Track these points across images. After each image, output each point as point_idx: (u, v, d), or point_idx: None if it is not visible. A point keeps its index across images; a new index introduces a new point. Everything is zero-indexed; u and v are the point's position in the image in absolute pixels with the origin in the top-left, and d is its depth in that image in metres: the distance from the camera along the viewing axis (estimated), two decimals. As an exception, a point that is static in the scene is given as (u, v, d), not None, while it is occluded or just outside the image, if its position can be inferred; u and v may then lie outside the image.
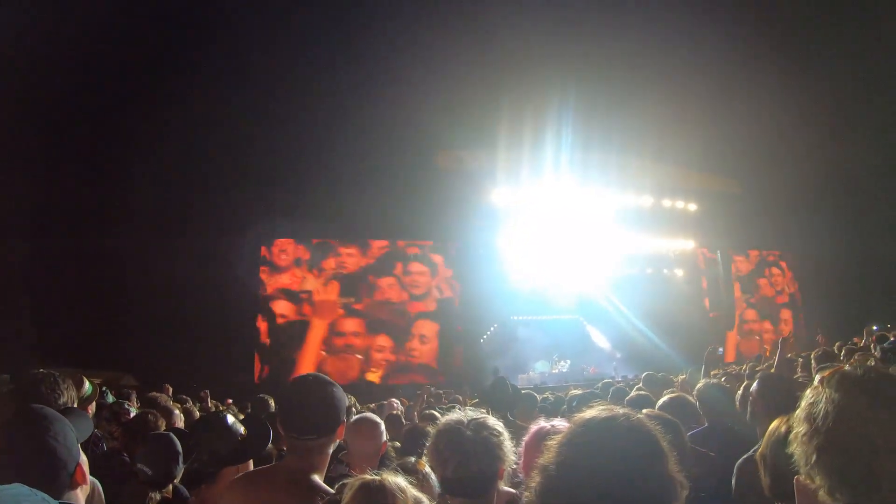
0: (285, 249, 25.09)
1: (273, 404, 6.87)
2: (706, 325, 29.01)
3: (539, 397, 7.39)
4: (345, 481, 1.97)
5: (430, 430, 2.53)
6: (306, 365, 23.71)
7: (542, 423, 2.84)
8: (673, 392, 5.28)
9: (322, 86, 21.88)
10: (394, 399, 9.76)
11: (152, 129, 20.21)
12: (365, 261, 25.61)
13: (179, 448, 3.32)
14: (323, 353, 24.31)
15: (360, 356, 24.53)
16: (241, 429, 3.18)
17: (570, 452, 1.65)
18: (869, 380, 1.52)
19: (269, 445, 3.35)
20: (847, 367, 1.61)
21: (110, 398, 5.52)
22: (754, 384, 3.79)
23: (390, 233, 25.59)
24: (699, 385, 4.97)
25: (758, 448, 2.66)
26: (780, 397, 3.39)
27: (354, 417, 3.91)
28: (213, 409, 8.81)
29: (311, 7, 20.90)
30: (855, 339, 12.46)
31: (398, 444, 4.56)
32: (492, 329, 27.22)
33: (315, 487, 2.47)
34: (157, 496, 3.19)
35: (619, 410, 1.72)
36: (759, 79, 22.84)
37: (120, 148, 20.25)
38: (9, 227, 18.59)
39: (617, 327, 26.77)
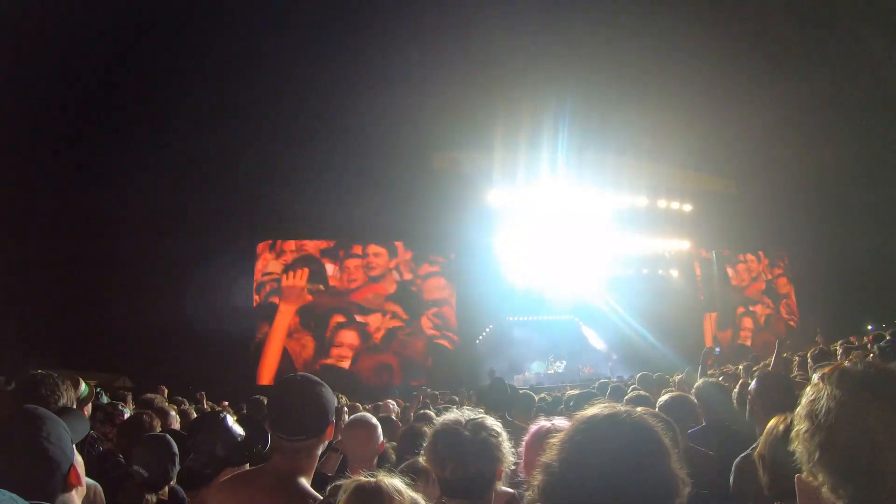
0: (284, 251, 25.11)
1: (268, 405, 6.81)
2: (701, 325, 29.09)
3: (536, 397, 7.39)
4: (338, 482, 1.95)
5: (427, 430, 2.52)
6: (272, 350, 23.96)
7: (543, 422, 2.82)
8: (672, 391, 5.28)
9: (317, 87, 21.89)
10: (389, 400, 9.74)
11: (149, 132, 20.25)
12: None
13: (176, 449, 3.31)
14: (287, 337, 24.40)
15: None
16: (241, 430, 3.17)
17: (573, 450, 1.64)
18: (869, 375, 1.51)
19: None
20: (847, 364, 1.60)
21: (105, 399, 5.51)
22: (752, 383, 3.78)
23: (386, 235, 25.58)
24: (697, 384, 4.97)
25: (756, 446, 2.65)
26: (779, 396, 3.38)
27: (350, 419, 3.90)
28: (210, 411, 8.78)
29: (308, 10, 20.92)
30: (851, 339, 12.46)
31: (395, 443, 4.55)
32: (487, 330, 27.21)
33: (301, 492, 2.43)
34: (154, 498, 3.17)
35: (621, 408, 1.72)
36: (753, 79, 22.92)
37: (117, 150, 20.23)
38: (3, 228, 18.55)
39: (613, 328, 26.78)
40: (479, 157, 25.32)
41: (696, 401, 4.54)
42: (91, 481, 2.85)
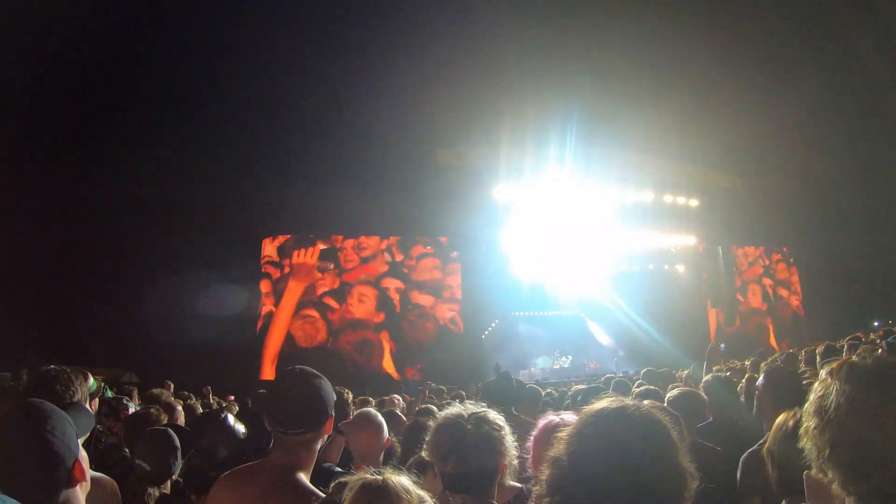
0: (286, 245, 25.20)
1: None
2: (707, 321, 29.05)
3: (542, 392, 7.38)
4: (342, 479, 1.92)
5: (431, 424, 2.50)
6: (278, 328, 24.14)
7: (551, 417, 2.80)
8: (679, 386, 5.26)
9: (324, 83, 21.91)
10: (395, 395, 9.75)
11: (156, 125, 20.28)
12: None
13: (177, 443, 3.30)
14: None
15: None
16: (242, 428, 3.15)
17: (581, 443, 1.64)
18: (878, 369, 1.49)
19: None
20: (855, 358, 1.58)
21: (109, 394, 5.51)
22: (760, 378, 3.77)
23: (393, 230, 25.63)
24: (706, 379, 4.95)
25: (763, 442, 2.64)
26: (787, 391, 3.37)
27: (356, 414, 3.88)
28: (216, 406, 8.80)
29: (315, 6, 20.90)
30: (858, 334, 12.42)
31: (399, 437, 4.54)
32: (493, 325, 27.22)
33: (300, 488, 2.40)
34: (156, 492, 3.17)
35: (629, 401, 1.72)
36: (761, 76, 22.84)
37: (123, 145, 20.23)
38: (9, 222, 18.60)
39: (618, 323, 26.74)
40: (485, 152, 25.29)
41: (704, 396, 4.53)
42: (106, 477, 2.85)
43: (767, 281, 31.26)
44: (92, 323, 19.24)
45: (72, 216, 20.09)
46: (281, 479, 2.40)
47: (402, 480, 1.74)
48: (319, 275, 24.97)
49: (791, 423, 2.29)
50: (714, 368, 7.00)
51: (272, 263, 25.06)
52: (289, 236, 25.20)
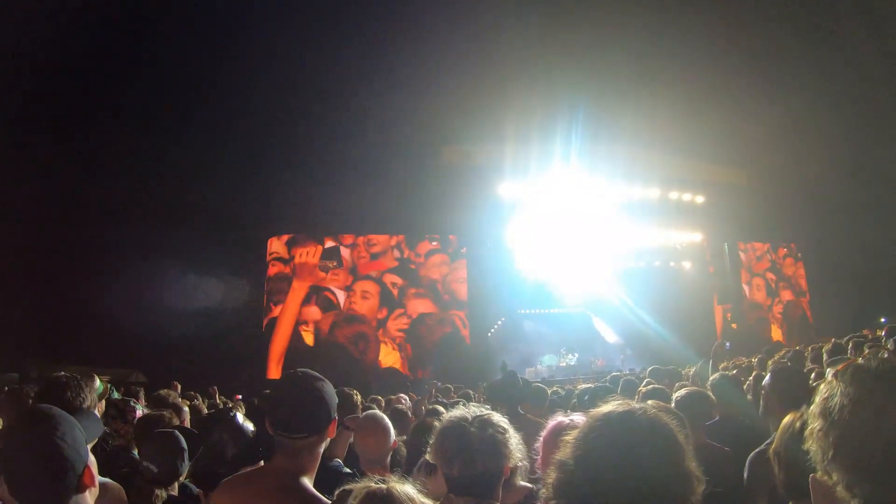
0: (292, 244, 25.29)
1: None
2: (713, 317, 29.02)
3: (549, 391, 7.38)
4: (346, 487, 1.92)
5: (437, 424, 2.51)
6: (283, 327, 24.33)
7: (560, 418, 2.80)
8: (686, 385, 5.25)
9: (329, 82, 21.89)
10: (402, 394, 9.76)
11: (160, 122, 20.31)
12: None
13: (185, 445, 3.30)
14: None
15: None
16: (252, 427, 3.15)
17: (588, 447, 1.64)
18: (884, 371, 1.49)
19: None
20: (860, 360, 1.58)
21: (116, 395, 5.53)
22: (767, 377, 3.76)
23: (397, 228, 25.65)
24: (713, 377, 4.94)
25: (770, 442, 2.63)
26: (794, 391, 3.36)
27: (363, 416, 3.88)
28: (222, 405, 8.81)
29: (321, 5, 20.89)
30: (865, 331, 12.39)
31: (405, 437, 4.55)
32: (499, 323, 27.23)
33: (305, 494, 2.38)
34: (164, 494, 3.18)
35: (636, 405, 1.72)
36: (766, 71, 22.79)
37: (130, 143, 20.25)
38: (13, 220, 18.66)
39: (624, 320, 26.72)
40: (490, 149, 25.28)
41: (711, 396, 4.52)
42: (112, 481, 2.87)
43: (773, 277, 31.21)
44: (97, 322, 19.26)
45: (75, 214, 20.13)
46: (285, 485, 2.38)
47: (406, 489, 1.73)
48: (323, 274, 25.01)
49: (798, 424, 2.28)
50: (720, 366, 6.98)
51: (281, 260, 25.14)
52: (291, 235, 25.25)
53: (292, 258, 25.15)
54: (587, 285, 27.15)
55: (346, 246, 25.69)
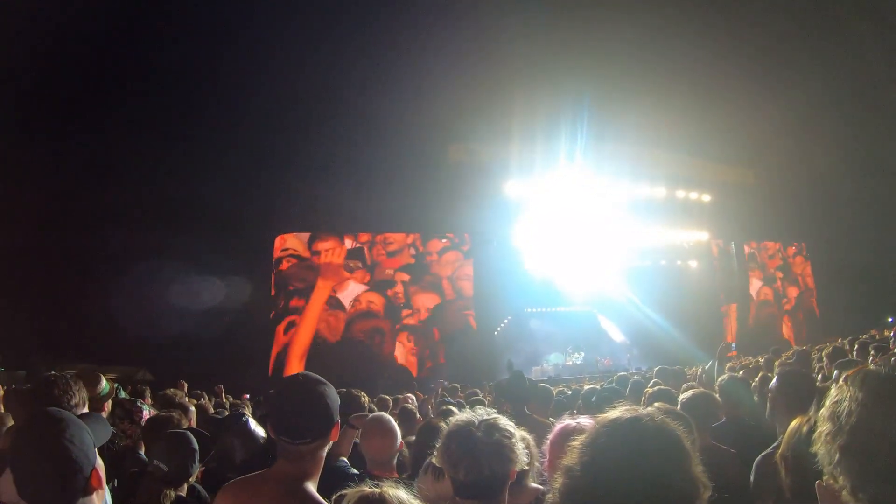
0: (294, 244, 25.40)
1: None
2: (720, 317, 28.98)
3: (555, 391, 7.37)
4: (343, 492, 1.92)
5: (444, 426, 2.51)
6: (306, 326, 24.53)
7: (568, 421, 2.80)
8: (693, 386, 5.25)
9: (336, 80, 21.90)
10: (409, 393, 9.77)
11: (169, 122, 20.35)
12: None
13: (196, 446, 3.32)
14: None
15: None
16: (262, 432, 3.16)
17: (594, 453, 1.64)
18: (893, 378, 1.49)
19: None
20: (872, 366, 1.58)
21: (123, 394, 5.54)
22: (774, 381, 3.75)
23: (403, 226, 25.69)
24: (721, 378, 4.93)
25: (777, 445, 2.63)
26: (801, 394, 3.34)
27: (370, 418, 3.88)
28: (228, 404, 8.82)
29: (328, 2, 20.91)
30: (872, 332, 12.36)
31: (412, 438, 4.55)
32: (505, 321, 27.23)
33: (306, 499, 2.34)
34: (172, 493, 3.19)
35: (643, 411, 1.72)
36: (773, 70, 22.74)
37: (136, 142, 20.31)
38: (20, 220, 18.73)
39: (630, 319, 26.70)
40: (496, 148, 25.29)
41: (717, 397, 4.52)
42: None
43: (781, 276, 31.16)
44: (104, 320, 19.31)
45: (82, 214, 20.18)
46: (289, 490, 2.35)
47: (399, 494, 1.73)
48: (348, 273, 25.15)
49: (805, 428, 2.28)
50: (727, 367, 6.98)
51: (296, 256, 25.30)
52: (310, 233, 25.41)
53: (313, 255, 25.38)
54: (593, 284, 27.14)
55: (362, 243, 25.84)
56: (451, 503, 2.35)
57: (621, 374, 9.89)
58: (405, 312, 25.87)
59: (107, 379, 4.30)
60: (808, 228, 29.19)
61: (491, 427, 2.35)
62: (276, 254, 25.20)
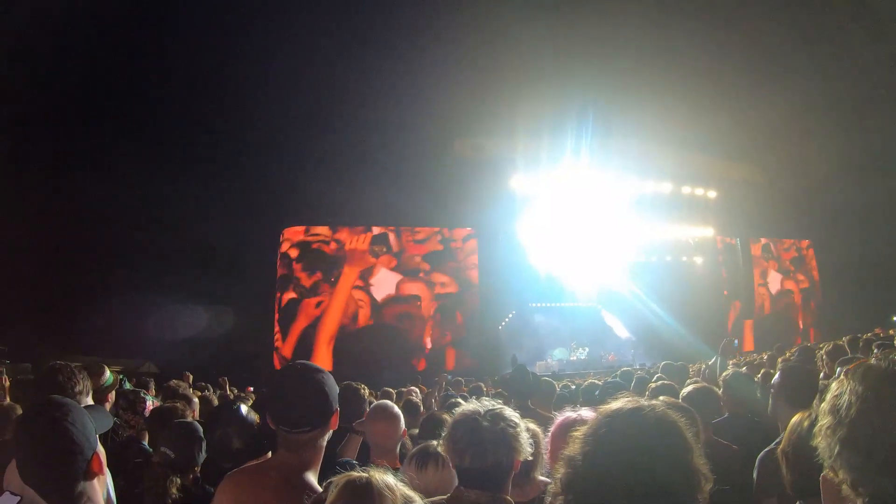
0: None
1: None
2: (725, 313, 28.95)
3: (559, 385, 7.39)
4: (333, 479, 1.93)
5: (447, 417, 2.52)
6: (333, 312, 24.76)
7: (569, 413, 2.81)
8: (696, 382, 5.24)
9: (342, 74, 21.90)
10: (412, 386, 9.79)
11: (179, 115, 20.36)
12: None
13: (202, 435, 3.37)
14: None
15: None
16: (257, 419, 3.17)
17: (596, 443, 1.65)
18: (893, 372, 1.49)
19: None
20: (873, 360, 1.58)
21: (128, 385, 5.57)
22: (776, 376, 3.75)
23: (410, 221, 25.70)
24: (726, 373, 4.93)
25: (780, 441, 2.63)
26: (803, 390, 3.34)
27: (373, 406, 3.90)
28: (232, 397, 8.85)
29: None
30: (876, 330, 12.34)
31: (416, 431, 4.56)
32: (510, 316, 27.24)
33: (305, 489, 2.31)
34: (178, 480, 3.20)
35: (645, 402, 1.73)
36: (780, 66, 22.65)
37: (140, 138, 20.34)
38: (28, 214, 18.78)
39: (635, 315, 26.68)
40: (502, 143, 25.27)
41: (718, 392, 4.51)
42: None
43: (786, 273, 31.11)
44: (110, 313, 19.35)
45: (89, 208, 20.20)
46: (288, 480, 2.35)
47: (386, 479, 1.74)
48: (373, 259, 25.27)
49: (806, 423, 2.28)
50: (730, 363, 6.97)
51: (324, 242, 25.66)
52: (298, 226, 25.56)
53: (335, 242, 25.56)
54: (598, 279, 27.16)
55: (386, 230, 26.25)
56: (455, 493, 2.36)
57: (624, 369, 9.89)
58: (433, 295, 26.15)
59: (111, 371, 4.32)
60: (814, 225, 29.10)
61: (496, 417, 2.36)
62: (297, 239, 25.45)
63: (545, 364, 24.17)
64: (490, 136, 25.07)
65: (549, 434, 2.80)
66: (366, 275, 25.39)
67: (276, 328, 24.36)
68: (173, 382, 5.74)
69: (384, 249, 25.64)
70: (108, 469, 2.27)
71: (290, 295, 24.87)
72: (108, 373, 4.14)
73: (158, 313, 19.48)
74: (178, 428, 3.46)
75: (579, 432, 1.73)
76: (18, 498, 1.94)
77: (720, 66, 22.39)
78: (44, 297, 19.07)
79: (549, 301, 27.65)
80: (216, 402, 6.66)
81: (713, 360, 7.07)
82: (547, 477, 2.72)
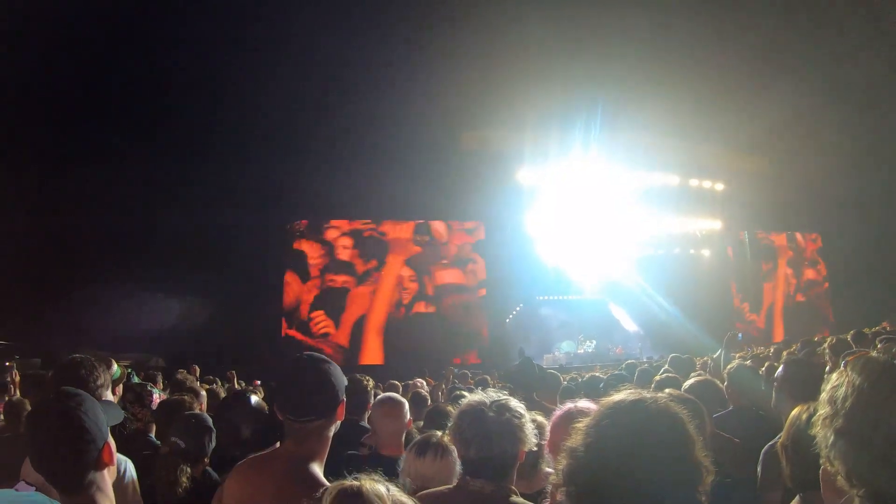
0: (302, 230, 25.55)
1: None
2: (732, 306, 28.89)
3: (565, 378, 7.40)
4: (327, 486, 1.95)
5: (452, 409, 2.54)
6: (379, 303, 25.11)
7: (569, 405, 2.83)
8: (700, 374, 5.24)
9: (348, 67, 21.87)
10: (419, 379, 9.82)
11: (184, 109, 20.38)
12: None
13: (212, 426, 3.44)
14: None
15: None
16: (265, 407, 3.20)
17: (598, 435, 1.66)
18: (892, 365, 1.50)
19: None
20: (873, 353, 1.59)
21: (136, 379, 5.60)
22: (779, 369, 3.75)
23: (417, 214, 25.72)
24: (731, 366, 4.92)
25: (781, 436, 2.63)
26: (806, 384, 3.33)
27: (379, 398, 3.95)
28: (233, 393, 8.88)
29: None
30: (884, 324, 12.30)
31: (421, 423, 4.59)
32: (517, 309, 27.24)
33: (309, 480, 2.31)
34: (188, 470, 3.23)
35: (647, 394, 1.74)
36: (790, 57, 22.54)
37: (152, 129, 20.39)
38: (36, 209, 18.84)
39: (643, 308, 26.65)
40: (509, 135, 25.22)
41: (721, 385, 4.52)
42: (131, 471, 2.95)
43: (794, 267, 31.01)
44: (118, 307, 19.42)
45: (96, 202, 20.25)
46: (292, 470, 2.35)
47: (377, 487, 1.75)
48: (417, 248, 25.46)
49: (805, 416, 2.29)
50: (736, 356, 6.97)
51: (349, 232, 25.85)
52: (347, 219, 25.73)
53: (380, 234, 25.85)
54: (606, 272, 27.12)
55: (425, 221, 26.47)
56: (460, 481, 2.41)
57: (629, 361, 9.89)
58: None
59: (119, 365, 4.35)
60: (823, 218, 28.97)
61: (502, 407, 2.40)
62: (325, 236, 25.70)
63: (552, 357, 24.20)
64: (497, 128, 25.00)
65: (550, 424, 2.82)
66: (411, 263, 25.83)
67: (283, 323, 24.43)
68: (181, 375, 5.77)
69: (426, 239, 26.13)
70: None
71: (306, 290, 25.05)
72: (115, 366, 4.16)
73: (165, 307, 19.56)
74: (188, 418, 3.51)
75: (581, 424, 1.73)
76: (34, 487, 1.97)
77: (728, 59, 22.29)
78: (51, 292, 19.13)
79: (556, 294, 27.67)
80: (223, 396, 6.71)
81: (718, 353, 7.07)
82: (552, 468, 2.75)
